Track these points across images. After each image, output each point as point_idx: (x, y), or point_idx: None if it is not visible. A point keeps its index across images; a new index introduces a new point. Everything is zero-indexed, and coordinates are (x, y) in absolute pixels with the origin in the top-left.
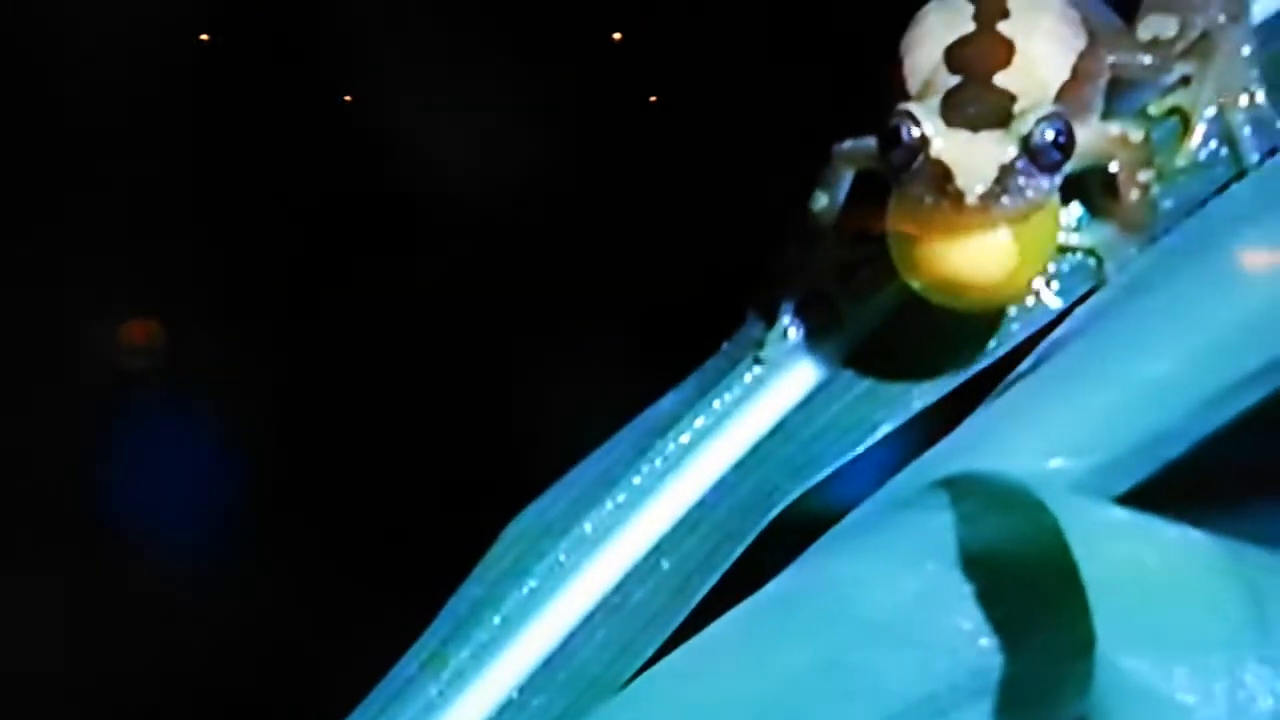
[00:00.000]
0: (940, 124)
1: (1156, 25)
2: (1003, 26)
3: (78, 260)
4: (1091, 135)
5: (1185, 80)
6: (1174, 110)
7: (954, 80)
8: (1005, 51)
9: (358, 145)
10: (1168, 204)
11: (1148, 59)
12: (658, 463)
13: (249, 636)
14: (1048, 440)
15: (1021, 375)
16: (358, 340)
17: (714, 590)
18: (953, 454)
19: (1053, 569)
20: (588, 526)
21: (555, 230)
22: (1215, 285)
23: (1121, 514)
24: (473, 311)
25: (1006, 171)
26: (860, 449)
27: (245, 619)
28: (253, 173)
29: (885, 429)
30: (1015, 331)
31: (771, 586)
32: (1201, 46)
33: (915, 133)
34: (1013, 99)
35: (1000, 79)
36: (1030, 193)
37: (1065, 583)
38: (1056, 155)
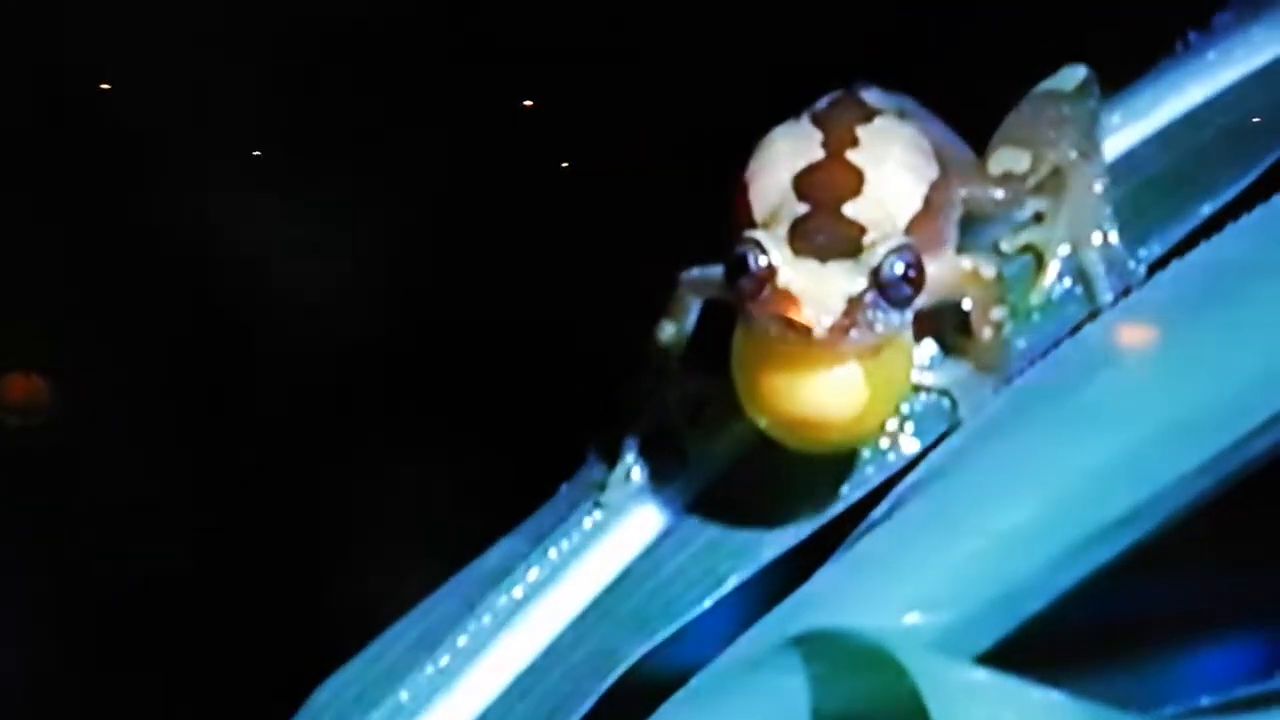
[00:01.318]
0: (788, 252)
1: (1008, 159)
2: (852, 155)
3: None
4: (944, 269)
5: (1039, 216)
6: (1028, 247)
7: (802, 209)
8: (855, 180)
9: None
10: (1021, 343)
11: (1000, 193)
12: (486, 620)
13: None
14: (904, 594)
15: (875, 523)
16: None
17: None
18: (804, 609)
19: None
20: (404, 695)
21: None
22: (1071, 430)
23: (982, 675)
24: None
25: (855, 304)
26: (707, 603)
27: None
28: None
29: (733, 581)
30: (869, 476)
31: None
32: (1054, 183)
33: (762, 261)
34: (862, 230)
35: (849, 208)
36: (880, 327)
37: None
38: (907, 289)
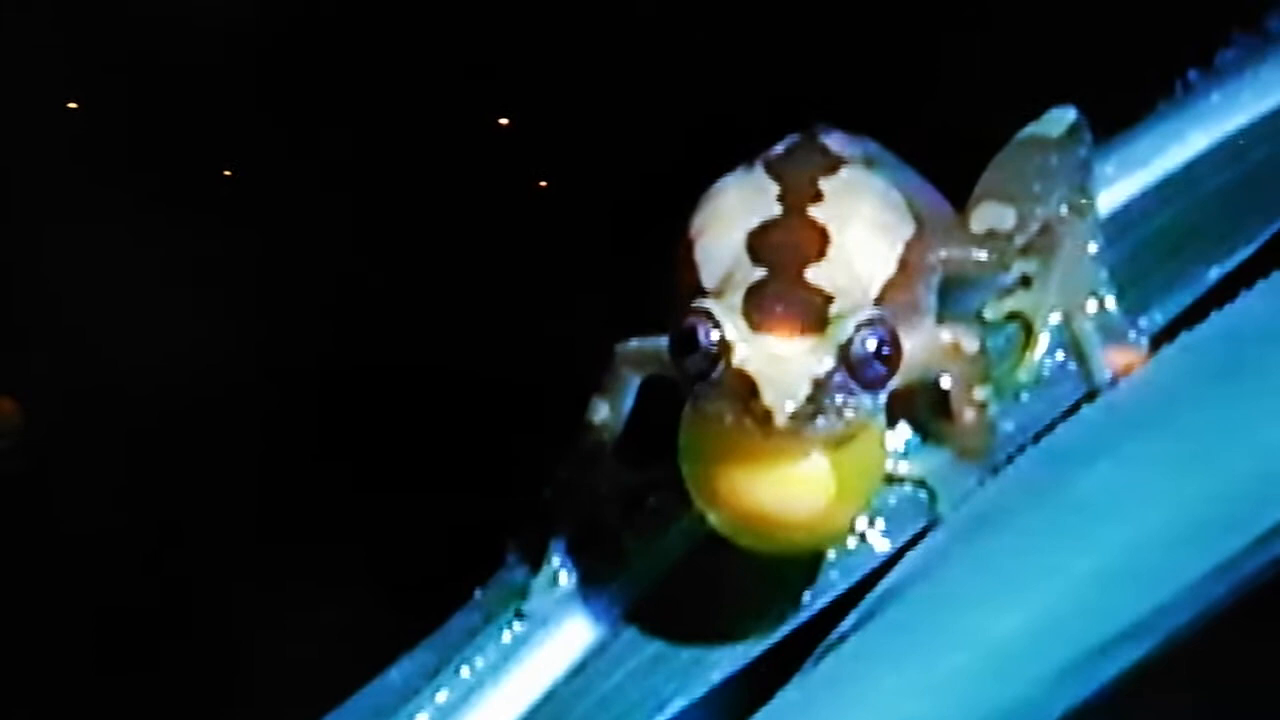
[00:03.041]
0: (743, 327)
1: (992, 216)
2: (815, 211)
3: None
4: (921, 343)
5: (1026, 280)
6: (1014, 315)
7: (758, 273)
8: (818, 241)
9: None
10: (1009, 426)
11: (983, 254)
12: None
13: None
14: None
15: (843, 636)
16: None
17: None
18: None
19: None
20: None
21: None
22: (1067, 529)
23: None
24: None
25: (821, 387)
26: None
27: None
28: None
29: (678, 704)
30: (834, 580)
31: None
32: (1043, 242)
33: (714, 336)
34: (828, 299)
35: (813, 274)
36: (849, 413)
37: None
38: (880, 369)
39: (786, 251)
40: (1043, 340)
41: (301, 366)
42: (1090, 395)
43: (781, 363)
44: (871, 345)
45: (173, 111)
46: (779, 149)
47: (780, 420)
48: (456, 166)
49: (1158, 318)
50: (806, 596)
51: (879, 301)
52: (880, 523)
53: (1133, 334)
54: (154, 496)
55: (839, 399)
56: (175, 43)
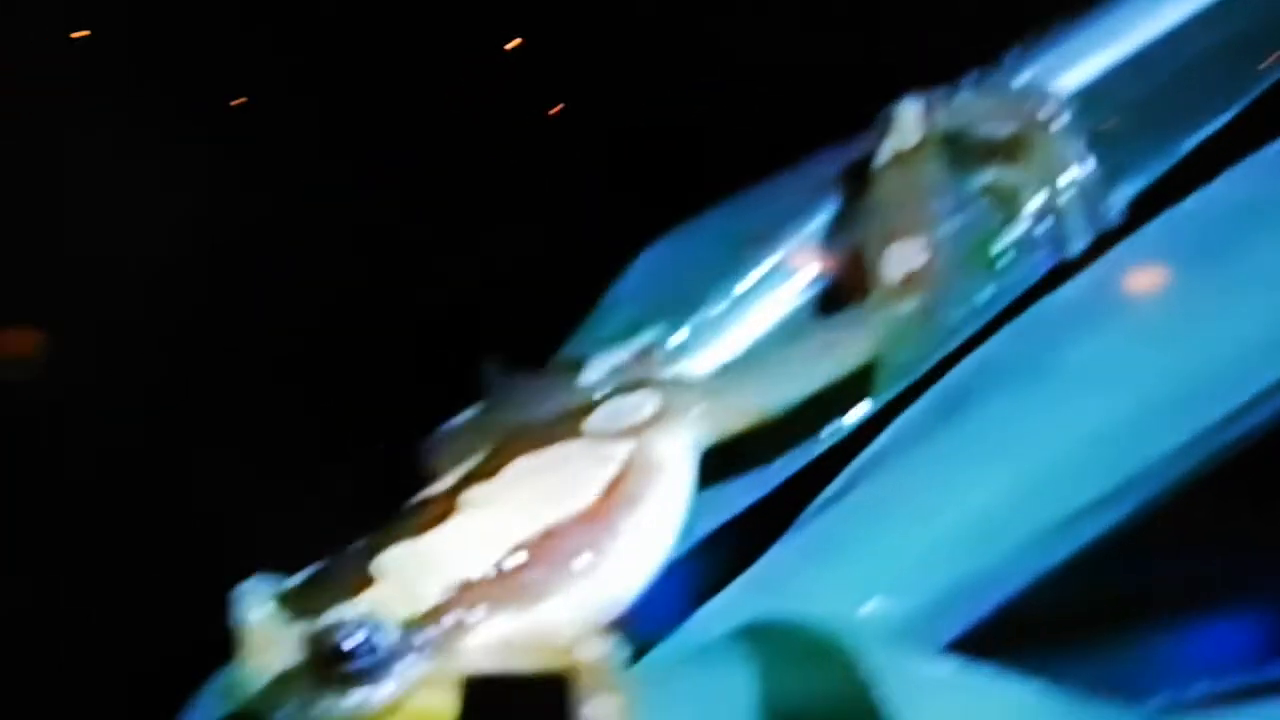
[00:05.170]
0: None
1: (901, 259)
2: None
3: None
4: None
5: (1002, 153)
6: (991, 189)
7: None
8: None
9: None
10: (985, 296)
11: (915, 303)
12: None
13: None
14: (861, 580)
15: (828, 502)
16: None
17: None
18: (751, 595)
19: None
20: None
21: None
22: (1048, 399)
23: (948, 666)
24: None
25: (286, 680)
26: None
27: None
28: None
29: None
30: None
31: None
32: (1009, 146)
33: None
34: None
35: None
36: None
37: None
38: (352, 669)
39: (404, 523)
40: (1025, 210)
41: (324, 300)
42: (1068, 268)
43: (262, 645)
44: (334, 645)
45: (179, 39)
46: None
47: (236, 704)
48: (467, 92)
49: (1129, 190)
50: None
51: (468, 587)
52: None
53: (1109, 204)
54: (179, 422)
55: (302, 694)
56: None
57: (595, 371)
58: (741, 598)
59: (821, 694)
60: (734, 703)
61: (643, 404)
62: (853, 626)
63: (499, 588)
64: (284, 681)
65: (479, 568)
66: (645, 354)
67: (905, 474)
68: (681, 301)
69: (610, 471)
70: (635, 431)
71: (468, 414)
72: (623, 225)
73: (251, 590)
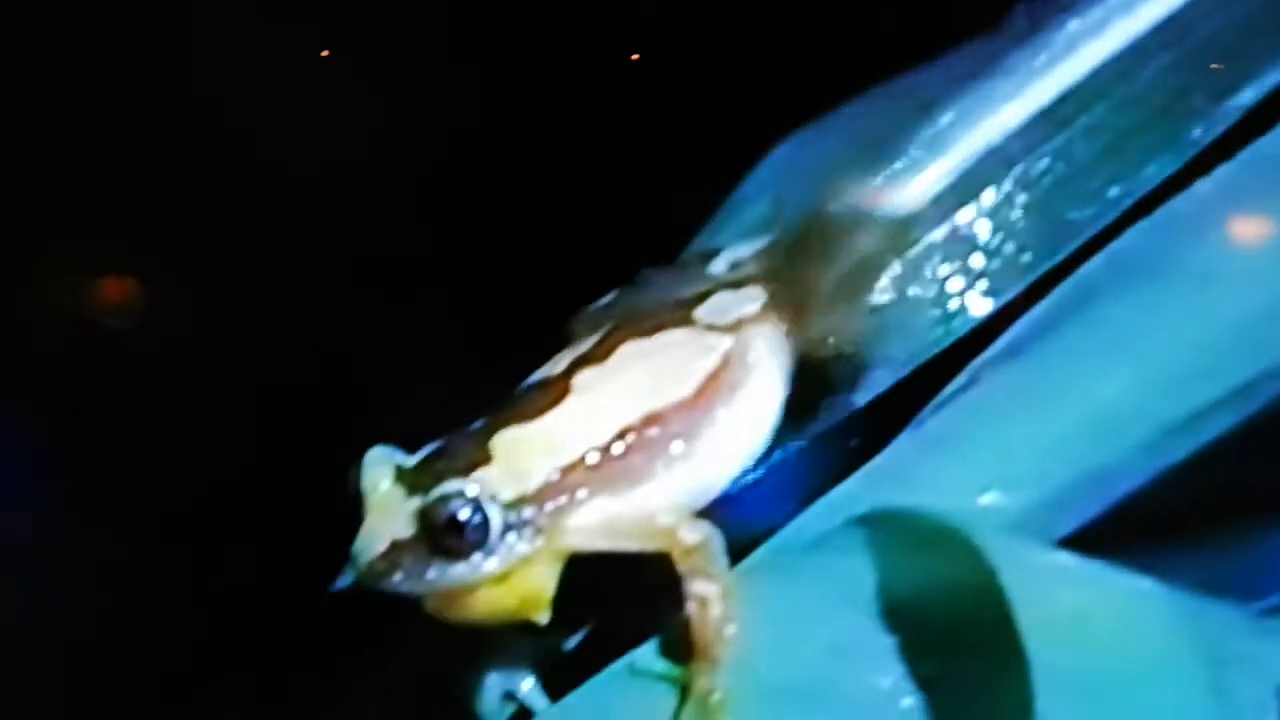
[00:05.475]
0: (388, 478)
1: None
2: (586, 372)
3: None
4: (622, 517)
5: None
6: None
7: (477, 424)
8: (553, 399)
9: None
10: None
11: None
12: None
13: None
14: (981, 473)
15: (951, 397)
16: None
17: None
18: (871, 487)
19: (985, 621)
20: None
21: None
22: (1176, 296)
23: (1064, 559)
24: None
25: (399, 549)
26: None
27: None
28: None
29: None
30: None
31: (665, 637)
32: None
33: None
34: (475, 464)
35: (514, 432)
36: (433, 575)
37: (999, 637)
38: (455, 542)
39: (520, 404)
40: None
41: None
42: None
43: (380, 515)
44: (444, 518)
45: None
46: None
47: (355, 571)
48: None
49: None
50: None
51: (572, 469)
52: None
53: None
54: (277, 381)
55: (414, 562)
56: None
57: (721, 263)
58: (861, 489)
59: (940, 582)
60: (852, 588)
61: (752, 298)
62: (972, 517)
63: (602, 470)
64: (398, 550)
65: (584, 450)
66: (766, 250)
67: (1029, 369)
68: (808, 199)
69: (712, 362)
70: (740, 325)
71: (605, 299)
72: (754, 122)
73: (373, 462)
